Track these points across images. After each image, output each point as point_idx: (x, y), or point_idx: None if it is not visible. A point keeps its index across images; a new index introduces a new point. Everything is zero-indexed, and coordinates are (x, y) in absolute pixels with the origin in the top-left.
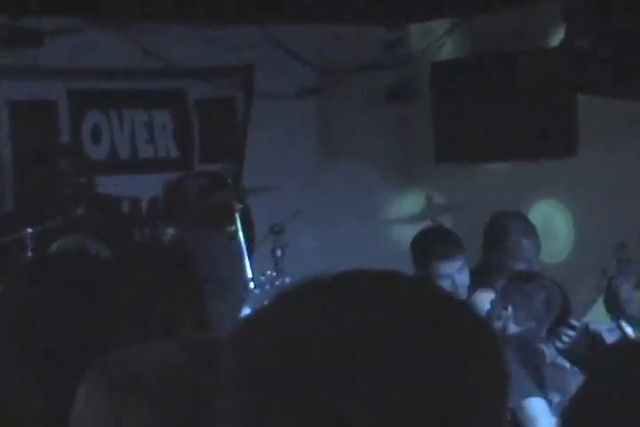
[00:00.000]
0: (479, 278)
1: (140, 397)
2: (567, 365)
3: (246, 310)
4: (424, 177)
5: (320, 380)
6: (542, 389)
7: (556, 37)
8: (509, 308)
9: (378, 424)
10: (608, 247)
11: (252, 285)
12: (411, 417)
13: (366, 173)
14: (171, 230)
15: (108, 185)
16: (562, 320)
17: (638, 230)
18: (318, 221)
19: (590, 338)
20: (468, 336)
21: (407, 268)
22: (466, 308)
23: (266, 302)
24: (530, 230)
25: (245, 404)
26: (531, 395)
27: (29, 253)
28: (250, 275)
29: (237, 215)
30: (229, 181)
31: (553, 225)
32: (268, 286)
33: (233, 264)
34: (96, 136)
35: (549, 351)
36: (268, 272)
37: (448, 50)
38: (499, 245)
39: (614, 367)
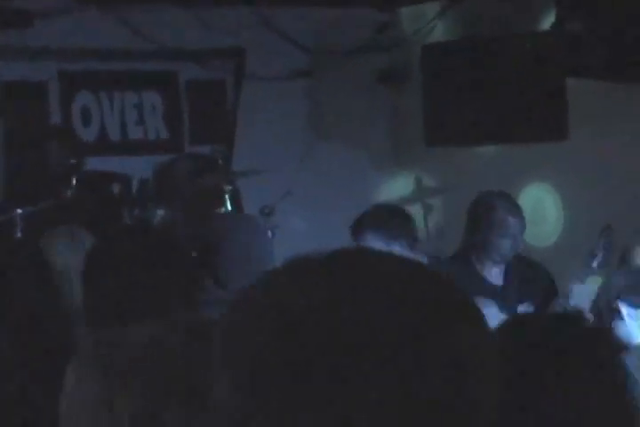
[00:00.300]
0: (463, 260)
1: (131, 377)
2: None
3: None
4: (414, 160)
5: (314, 363)
6: None
7: (548, 20)
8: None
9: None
10: (597, 231)
11: None
12: (408, 407)
13: (357, 155)
14: (160, 212)
15: (98, 166)
16: (548, 304)
17: (626, 214)
18: (308, 204)
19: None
20: (453, 316)
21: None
22: (451, 286)
23: (255, 282)
24: (515, 208)
25: (237, 389)
26: None
27: (19, 234)
28: None
29: (227, 197)
30: (219, 163)
31: (543, 209)
32: None
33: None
34: (86, 117)
35: None
36: None
37: (439, 33)
38: (484, 223)
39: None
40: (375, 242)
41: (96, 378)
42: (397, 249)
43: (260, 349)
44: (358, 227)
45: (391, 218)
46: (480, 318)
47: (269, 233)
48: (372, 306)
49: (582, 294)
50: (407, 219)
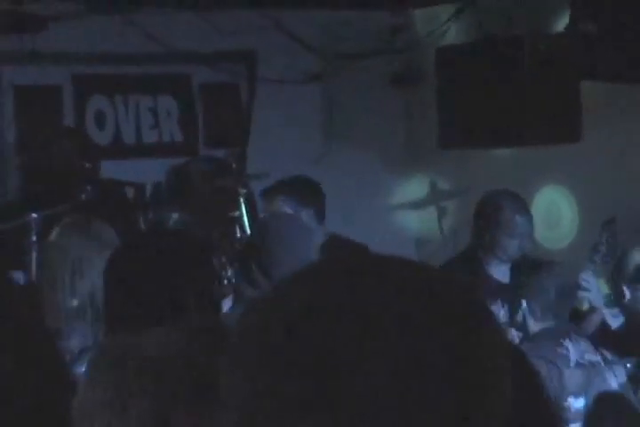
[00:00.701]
0: (470, 259)
1: (142, 379)
2: (596, 357)
3: None
4: (428, 162)
5: (330, 364)
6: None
7: (562, 22)
8: (523, 302)
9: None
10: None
11: None
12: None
13: (371, 158)
14: (175, 215)
15: (113, 170)
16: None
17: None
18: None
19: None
20: (473, 324)
21: (411, 253)
22: (473, 295)
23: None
24: (523, 208)
25: (253, 389)
26: None
27: (34, 239)
28: None
29: (242, 200)
30: (233, 166)
31: (557, 210)
32: None
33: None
34: (100, 121)
35: (575, 348)
36: None
37: (453, 35)
38: (492, 222)
39: None
40: (284, 207)
41: (108, 380)
42: (304, 217)
43: (266, 350)
44: (270, 192)
45: (304, 187)
46: (497, 324)
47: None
48: (384, 309)
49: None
50: (318, 191)
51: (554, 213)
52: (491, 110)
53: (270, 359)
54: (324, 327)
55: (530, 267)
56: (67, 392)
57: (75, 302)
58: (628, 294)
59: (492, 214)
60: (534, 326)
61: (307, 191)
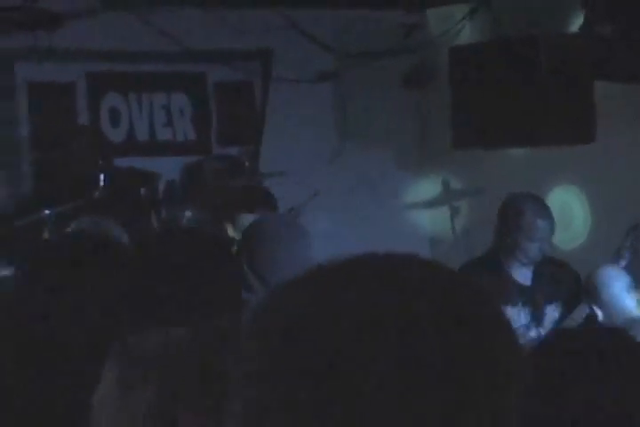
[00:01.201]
0: (492, 261)
1: (147, 376)
2: None
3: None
4: (441, 162)
5: (338, 366)
6: None
7: (577, 22)
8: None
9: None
10: (625, 232)
11: None
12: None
13: (384, 157)
14: (188, 213)
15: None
16: (575, 305)
17: None
18: (335, 206)
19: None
20: (483, 325)
21: (425, 251)
22: (482, 294)
23: (278, 287)
24: (544, 211)
25: (262, 391)
26: None
27: (47, 235)
28: None
29: (257, 199)
30: (247, 164)
31: (570, 211)
32: None
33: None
34: (114, 118)
35: None
36: None
37: (467, 34)
38: (513, 226)
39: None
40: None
41: (116, 375)
42: None
43: (265, 350)
44: None
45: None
46: (512, 330)
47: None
48: (389, 311)
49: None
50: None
51: (567, 214)
52: (504, 110)
53: (270, 365)
54: (324, 331)
55: (551, 269)
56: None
57: None
58: None
59: (514, 218)
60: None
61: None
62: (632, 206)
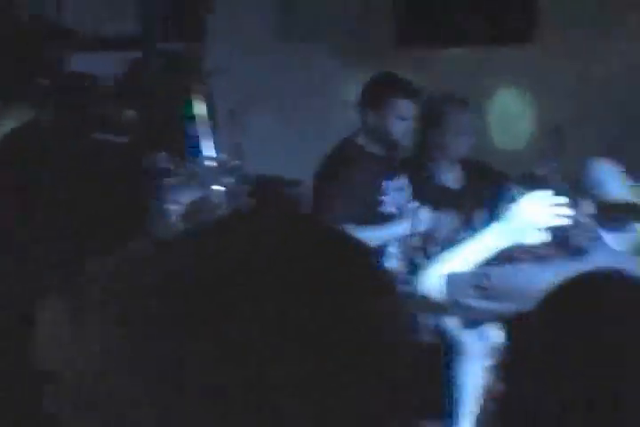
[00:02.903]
0: (416, 166)
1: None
2: None
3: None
4: (383, 61)
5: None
6: None
7: None
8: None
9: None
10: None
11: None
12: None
13: (325, 55)
14: (131, 112)
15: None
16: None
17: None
18: (279, 105)
19: None
20: (367, 282)
21: None
22: (355, 250)
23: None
24: (464, 105)
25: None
26: None
27: None
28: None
29: (200, 98)
30: (190, 61)
31: (513, 112)
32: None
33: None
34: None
35: None
36: (225, 156)
37: None
38: (438, 123)
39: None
40: None
41: (67, 309)
42: None
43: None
44: None
45: None
46: (391, 285)
47: (238, 136)
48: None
49: None
50: None
51: (509, 114)
52: (446, 9)
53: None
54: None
55: (478, 172)
56: None
57: None
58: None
59: (437, 116)
60: None
61: None
62: (573, 107)
